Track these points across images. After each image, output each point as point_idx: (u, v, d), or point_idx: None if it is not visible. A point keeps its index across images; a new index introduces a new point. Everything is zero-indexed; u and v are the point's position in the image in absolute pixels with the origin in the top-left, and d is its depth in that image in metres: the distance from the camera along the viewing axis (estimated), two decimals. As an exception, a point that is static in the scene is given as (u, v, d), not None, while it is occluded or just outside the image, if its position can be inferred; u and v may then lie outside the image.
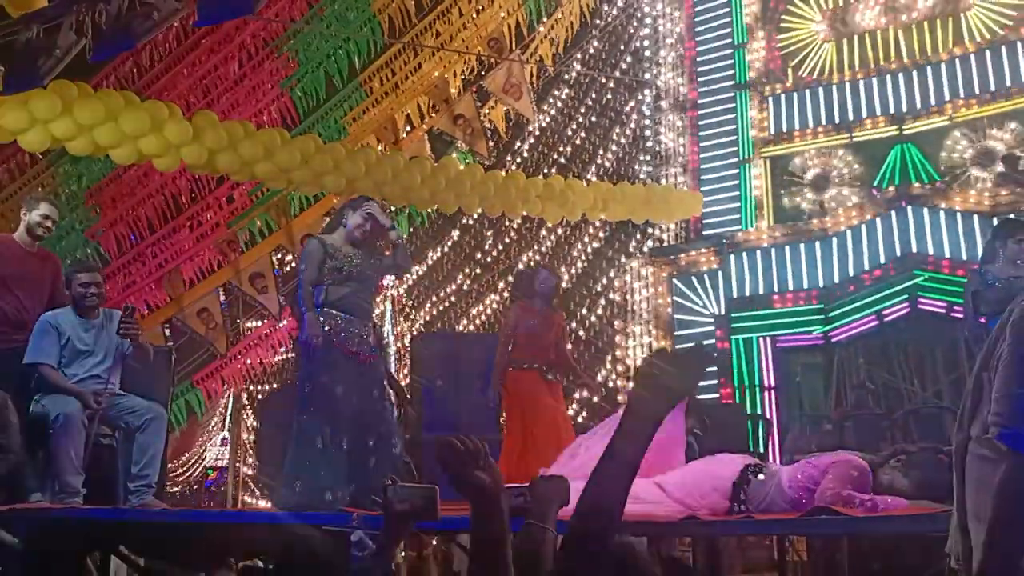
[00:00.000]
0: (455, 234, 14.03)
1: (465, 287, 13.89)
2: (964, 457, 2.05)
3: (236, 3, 4.53)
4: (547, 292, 6.50)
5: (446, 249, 14.14)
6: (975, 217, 9.05)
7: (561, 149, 13.47)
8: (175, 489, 19.16)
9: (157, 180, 9.73)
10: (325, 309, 4.67)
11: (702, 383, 9.65)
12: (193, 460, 21.19)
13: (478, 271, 13.83)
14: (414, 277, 14.06)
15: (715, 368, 9.92)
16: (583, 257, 13.41)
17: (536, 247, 13.90)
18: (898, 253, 9.08)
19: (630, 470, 1.76)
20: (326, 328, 4.61)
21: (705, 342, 10.43)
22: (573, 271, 13.39)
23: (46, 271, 5.27)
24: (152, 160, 7.47)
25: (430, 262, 14.12)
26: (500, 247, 13.79)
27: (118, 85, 9.55)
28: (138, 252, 9.97)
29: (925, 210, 9.23)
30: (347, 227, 4.85)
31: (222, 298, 10.17)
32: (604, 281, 13.14)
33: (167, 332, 9.81)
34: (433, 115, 11.04)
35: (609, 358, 12.05)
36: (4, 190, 9.81)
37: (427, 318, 14.06)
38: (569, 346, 7.03)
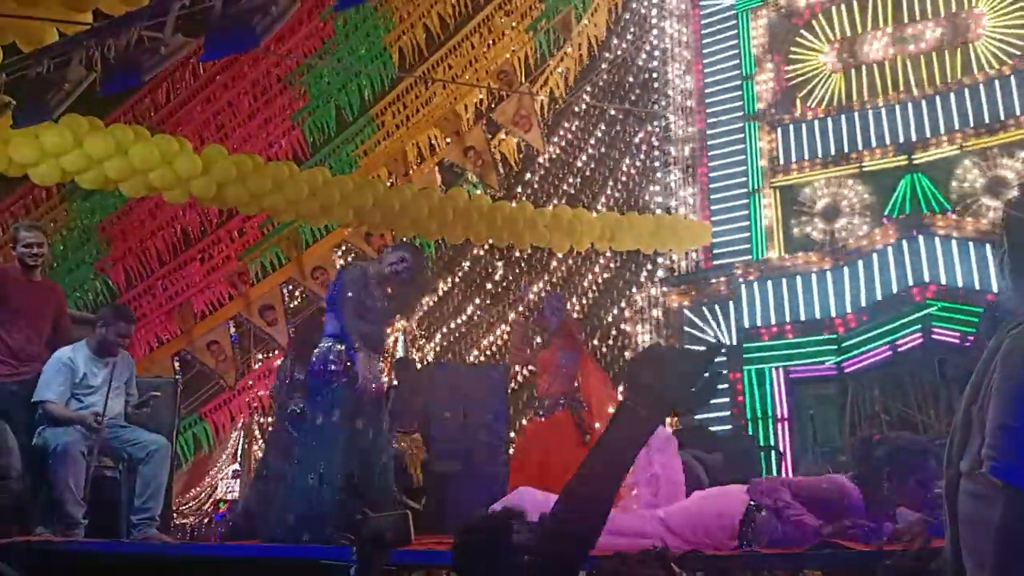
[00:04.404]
0: (466, 265, 14.07)
1: (476, 317, 13.88)
2: (954, 494, 1.98)
3: (241, 37, 4.57)
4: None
5: (456, 280, 14.16)
6: (987, 246, 8.97)
7: (571, 180, 13.52)
8: (185, 521, 19.07)
9: (168, 213, 9.82)
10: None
11: (714, 413, 9.57)
12: (204, 493, 21.14)
13: (488, 302, 13.82)
14: (425, 307, 14.07)
15: (719, 375, 9.79)
16: (594, 288, 13.39)
17: (547, 277, 13.91)
18: (911, 283, 9.00)
19: (607, 488, 1.60)
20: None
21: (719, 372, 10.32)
22: (584, 301, 13.38)
23: (49, 302, 5.28)
24: (162, 193, 7.52)
25: (440, 293, 14.13)
26: (510, 277, 13.80)
27: (135, 120, 9.67)
28: (148, 285, 10.03)
29: (937, 239, 9.16)
30: (381, 265, 4.86)
31: (232, 331, 10.21)
32: (615, 311, 13.10)
33: (177, 365, 9.85)
34: (444, 147, 11.11)
35: (620, 389, 11.97)
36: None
37: (437, 349, 14.04)
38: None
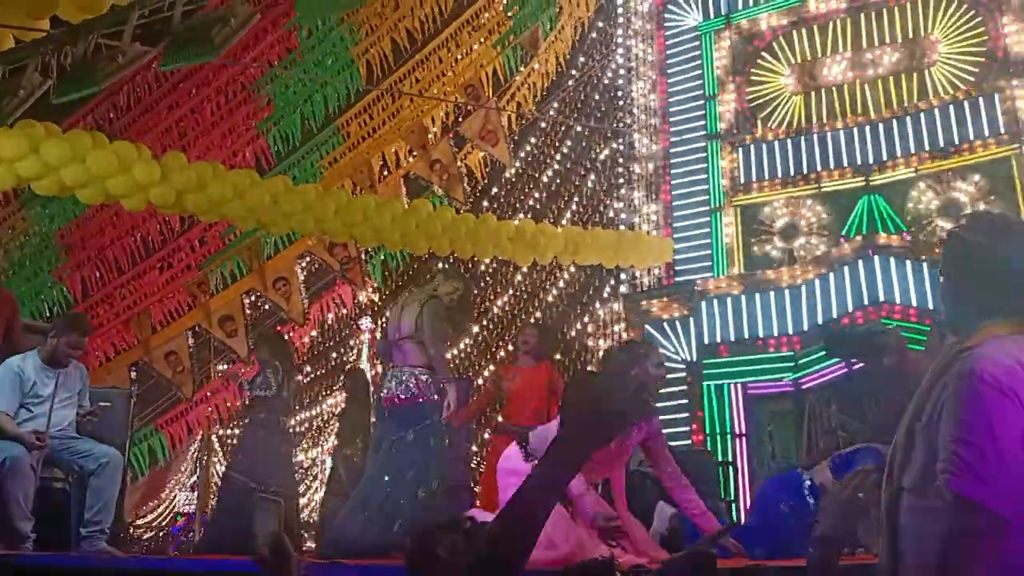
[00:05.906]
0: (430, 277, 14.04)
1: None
2: (894, 509, 2.02)
3: (199, 48, 4.57)
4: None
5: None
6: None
7: (536, 195, 13.59)
8: (146, 535, 18.73)
9: (128, 221, 9.69)
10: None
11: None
12: (162, 506, 20.81)
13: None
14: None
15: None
16: (557, 303, 13.45)
17: (511, 291, 13.95)
18: (866, 302, 9.15)
19: (551, 497, 1.72)
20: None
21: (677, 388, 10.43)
22: (548, 316, 13.43)
23: (2, 310, 5.21)
24: (120, 200, 7.42)
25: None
26: (475, 291, 13.79)
27: (95, 126, 9.55)
28: (106, 294, 9.88)
29: (892, 260, 9.33)
30: (438, 293, 5.13)
31: (191, 341, 10.08)
32: (578, 326, 13.17)
33: (133, 375, 9.69)
34: (410, 160, 11.12)
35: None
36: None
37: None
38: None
